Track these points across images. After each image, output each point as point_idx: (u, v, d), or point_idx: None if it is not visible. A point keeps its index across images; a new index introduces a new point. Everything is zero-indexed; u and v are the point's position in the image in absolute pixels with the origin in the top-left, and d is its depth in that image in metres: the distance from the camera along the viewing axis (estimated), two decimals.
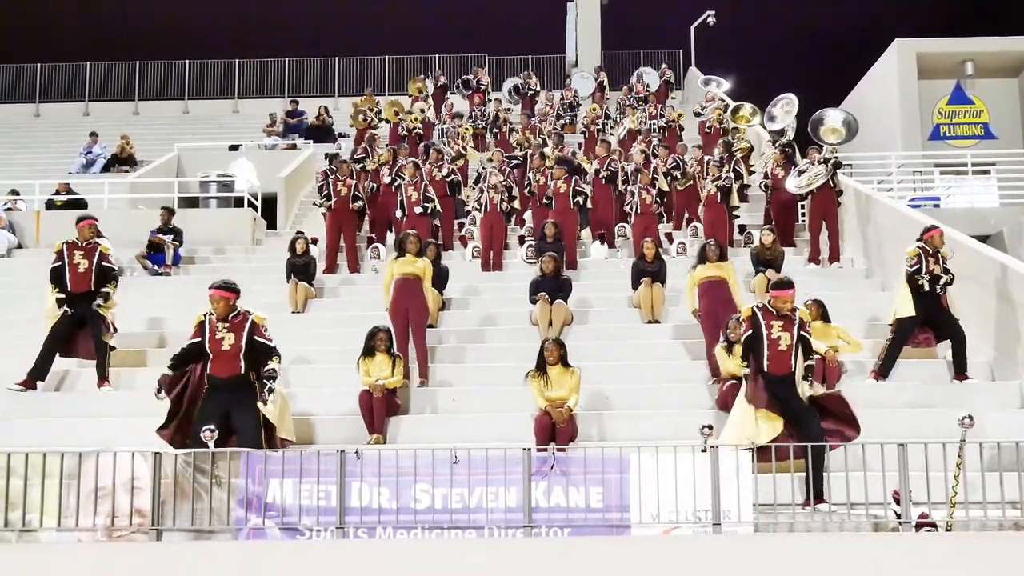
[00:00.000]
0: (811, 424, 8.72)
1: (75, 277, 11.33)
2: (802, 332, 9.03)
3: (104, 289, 11.38)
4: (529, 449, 7.98)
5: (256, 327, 9.23)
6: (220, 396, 9.11)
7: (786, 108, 17.58)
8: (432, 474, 7.94)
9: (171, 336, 12.88)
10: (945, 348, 11.47)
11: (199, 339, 9.22)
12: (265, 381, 9.13)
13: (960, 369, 11.07)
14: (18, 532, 7.79)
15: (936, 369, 11.43)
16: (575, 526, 7.86)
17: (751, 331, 9.08)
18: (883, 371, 11.18)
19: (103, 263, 11.44)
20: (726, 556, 7.20)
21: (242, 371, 9.15)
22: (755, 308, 9.22)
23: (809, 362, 9.04)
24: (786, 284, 9.22)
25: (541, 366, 10.05)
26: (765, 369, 8.95)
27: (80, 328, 11.35)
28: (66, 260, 11.38)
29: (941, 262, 11.24)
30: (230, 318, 9.20)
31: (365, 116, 23.70)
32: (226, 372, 9.13)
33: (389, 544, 7.79)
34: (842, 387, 10.73)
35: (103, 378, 11.37)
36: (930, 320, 11.21)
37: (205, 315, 9.28)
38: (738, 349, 9.56)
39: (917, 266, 11.16)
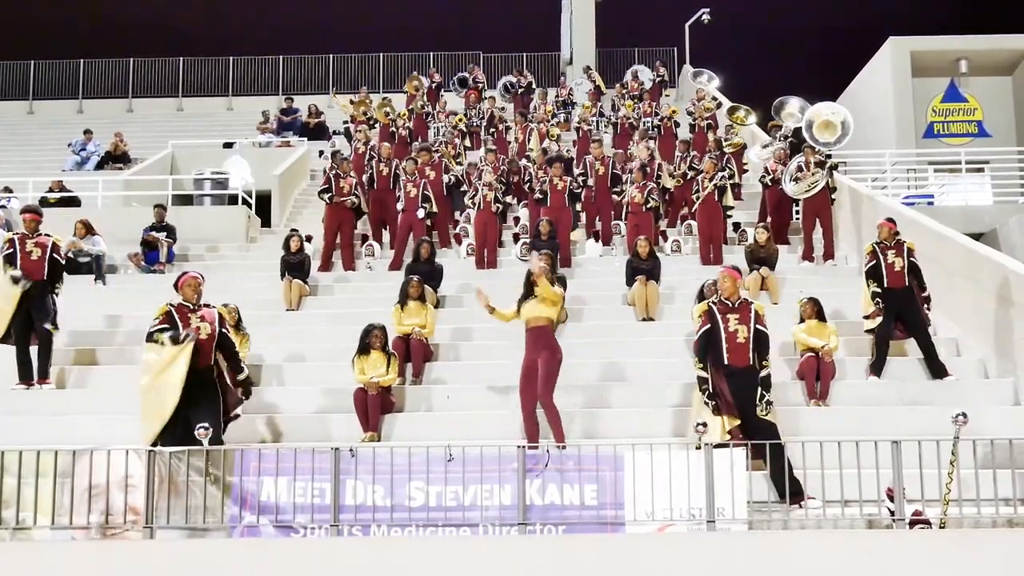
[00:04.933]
0: (762, 420, 8.84)
1: (27, 263, 11.20)
2: (759, 326, 9.14)
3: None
4: (524, 447, 7.99)
5: (222, 318, 9.39)
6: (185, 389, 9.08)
7: (789, 112, 17.58)
8: (426, 472, 7.95)
9: None
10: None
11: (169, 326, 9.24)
12: (251, 388, 9.26)
13: (937, 371, 11.10)
14: (12, 530, 7.78)
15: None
16: (570, 524, 7.87)
17: (708, 326, 9.21)
18: (876, 369, 11.20)
19: (54, 255, 11.36)
20: (720, 553, 7.21)
21: (212, 361, 9.22)
22: (711, 303, 9.43)
23: (766, 371, 9.09)
24: (735, 267, 9.64)
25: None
26: (725, 362, 9.06)
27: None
28: (17, 248, 11.27)
29: (906, 255, 11.29)
30: (203, 307, 9.29)
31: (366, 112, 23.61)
32: (203, 362, 9.14)
33: (383, 542, 7.79)
34: (836, 384, 10.82)
35: (43, 376, 11.24)
36: (901, 316, 11.29)
37: (169, 305, 9.32)
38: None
39: (872, 262, 11.29)
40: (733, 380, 9.02)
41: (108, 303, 14.05)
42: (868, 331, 11.35)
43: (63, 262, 11.63)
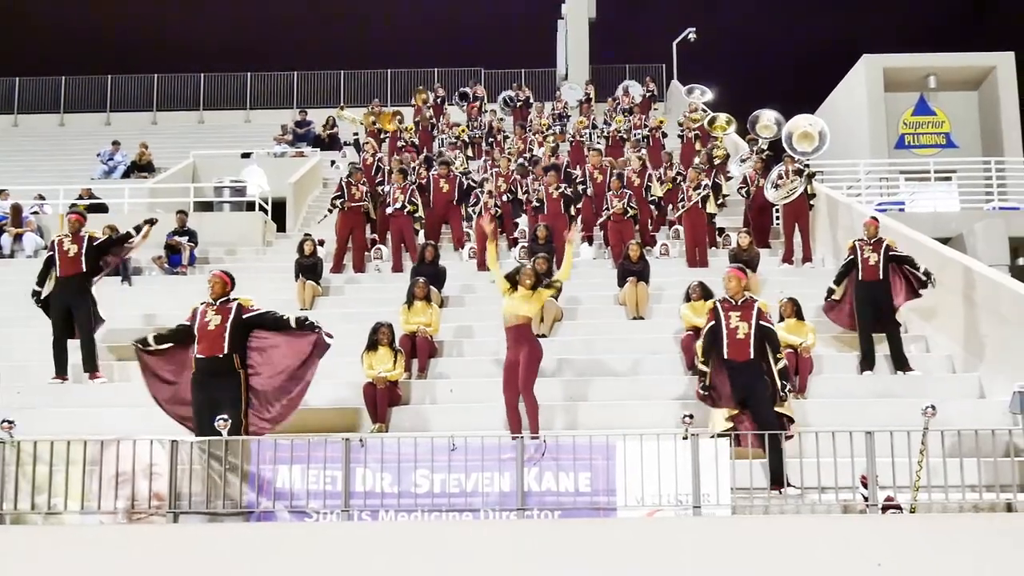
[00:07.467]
0: (766, 412, 8.83)
1: (64, 261, 11.22)
2: (761, 322, 9.10)
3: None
4: (522, 437, 7.99)
5: (242, 307, 9.25)
6: (205, 380, 9.08)
7: (764, 124, 17.64)
8: (431, 460, 7.94)
9: None
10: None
11: (190, 323, 9.30)
12: (316, 326, 9.34)
13: (900, 364, 11.09)
14: (44, 515, 7.79)
15: None
16: (565, 509, 7.86)
17: (712, 322, 9.20)
18: (868, 363, 11.25)
19: (91, 245, 11.32)
20: (705, 537, 7.21)
21: (224, 351, 9.09)
22: (716, 302, 9.41)
23: (781, 363, 9.05)
24: (740, 267, 9.54)
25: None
26: (726, 356, 9.04)
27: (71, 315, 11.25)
28: (56, 251, 11.30)
29: (884, 251, 11.31)
30: (219, 303, 9.27)
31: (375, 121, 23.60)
32: (208, 352, 9.09)
33: (391, 526, 7.79)
34: (813, 379, 10.82)
35: (93, 370, 11.23)
36: (876, 307, 11.28)
37: (201, 304, 9.40)
38: (698, 306, 9.77)
39: (850, 256, 11.48)
40: (733, 373, 9.00)
41: (134, 303, 14.04)
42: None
43: (104, 239, 11.51)
